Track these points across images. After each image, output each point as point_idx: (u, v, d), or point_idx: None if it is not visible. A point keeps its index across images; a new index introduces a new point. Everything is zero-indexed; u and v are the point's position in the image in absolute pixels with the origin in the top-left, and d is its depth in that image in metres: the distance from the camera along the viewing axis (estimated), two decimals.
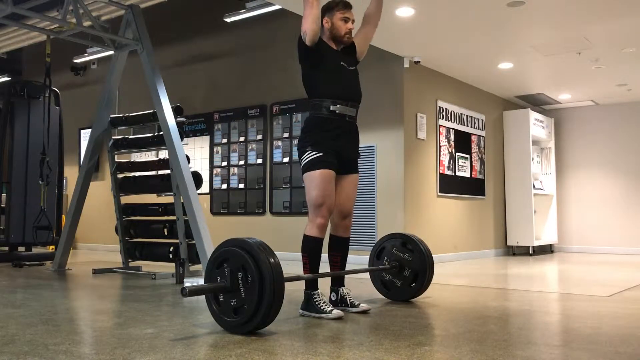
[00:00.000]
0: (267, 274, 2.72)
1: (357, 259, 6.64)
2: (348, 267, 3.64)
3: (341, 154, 3.40)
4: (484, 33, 6.21)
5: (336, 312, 3.23)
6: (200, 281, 4.65)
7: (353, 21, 3.50)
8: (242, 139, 8.32)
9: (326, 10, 3.48)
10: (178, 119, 5.65)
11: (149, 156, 7.95)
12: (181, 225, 5.51)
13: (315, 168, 3.32)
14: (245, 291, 2.78)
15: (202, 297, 4.18)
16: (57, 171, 7.28)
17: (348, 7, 3.50)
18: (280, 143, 7.93)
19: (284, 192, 7.78)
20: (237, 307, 2.80)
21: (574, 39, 6.33)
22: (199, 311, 3.61)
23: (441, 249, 7.27)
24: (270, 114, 8.07)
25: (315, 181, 3.31)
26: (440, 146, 7.59)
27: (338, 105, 3.36)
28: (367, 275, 5.58)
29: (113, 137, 6.20)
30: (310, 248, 3.34)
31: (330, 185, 3.33)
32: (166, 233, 5.70)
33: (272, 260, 2.77)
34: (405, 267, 3.89)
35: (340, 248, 3.55)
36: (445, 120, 7.75)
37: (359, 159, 3.59)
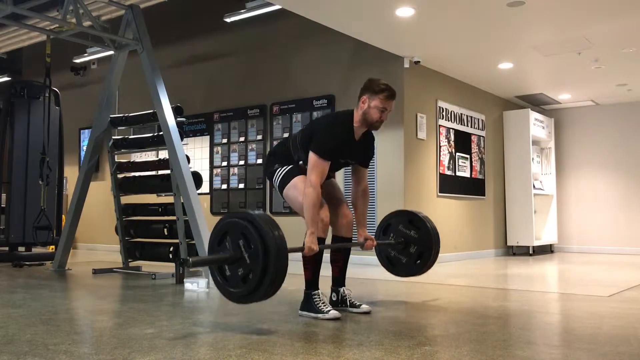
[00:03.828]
0: (270, 240, 2.72)
1: (357, 258, 6.63)
2: (349, 267, 3.63)
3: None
4: (484, 33, 6.21)
5: (333, 313, 3.22)
6: (201, 281, 4.66)
7: (390, 111, 3.36)
8: (242, 139, 8.32)
9: (368, 90, 3.31)
10: (178, 119, 5.65)
11: (149, 156, 7.95)
12: (181, 225, 5.51)
13: (291, 178, 3.36)
14: (249, 257, 2.77)
15: (203, 297, 4.19)
16: (57, 171, 7.27)
17: (392, 98, 3.32)
18: None
19: None
20: (245, 275, 2.80)
21: (574, 39, 6.33)
22: (199, 311, 3.61)
23: (441, 249, 7.22)
24: (270, 114, 8.07)
25: (297, 188, 3.33)
26: (440, 146, 7.59)
27: None
28: (367, 275, 5.58)
29: (113, 137, 6.19)
30: None
31: None
32: (166, 233, 5.70)
33: (274, 229, 2.78)
34: (411, 244, 3.85)
35: (342, 249, 3.55)
36: (445, 120, 7.75)
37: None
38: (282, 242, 2.76)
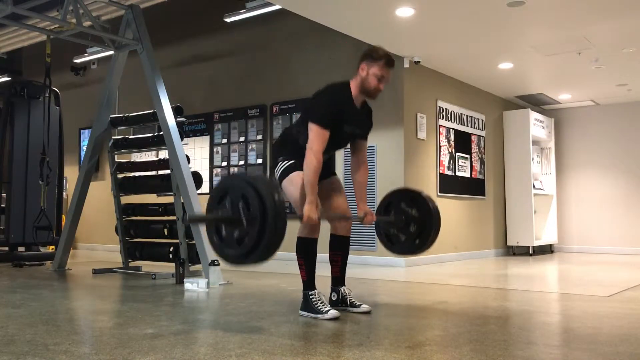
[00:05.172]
0: (270, 206, 2.72)
1: (358, 259, 6.63)
2: (348, 267, 3.63)
3: None
4: (484, 33, 6.21)
5: (332, 313, 3.22)
6: (201, 281, 4.66)
7: (387, 81, 3.36)
8: (242, 139, 8.32)
9: (368, 57, 3.33)
10: (178, 119, 5.65)
11: (149, 156, 7.94)
12: (181, 225, 5.51)
13: (290, 172, 3.34)
14: (247, 220, 2.78)
15: (203, 297, 4.19)
16: (57, 171, 7.27)
17: (391, 65, 3.32)
18: None
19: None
20: (240, 237, 2.80)
21: (574, 39, 6.33)
22: (199, 311, 3.61)
23: (441, 249, 7.24)
24: (270, 114, 8.07)
25: (294, 184, 3.31)
26: (440, 146, 7.59)
27: None
28: (367, 275, 5.59)
29: (113, 137, 6.19)
30: (304, 249, 3.35)
31: None
32: (166, 233, 5.70)
33: (275, 194, 2.77)
34: (412, 223, 3.78)
35: (340, 247, 3.54)
36: (445, 120, 7.75)
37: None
38: (282, 208, 2.76)
